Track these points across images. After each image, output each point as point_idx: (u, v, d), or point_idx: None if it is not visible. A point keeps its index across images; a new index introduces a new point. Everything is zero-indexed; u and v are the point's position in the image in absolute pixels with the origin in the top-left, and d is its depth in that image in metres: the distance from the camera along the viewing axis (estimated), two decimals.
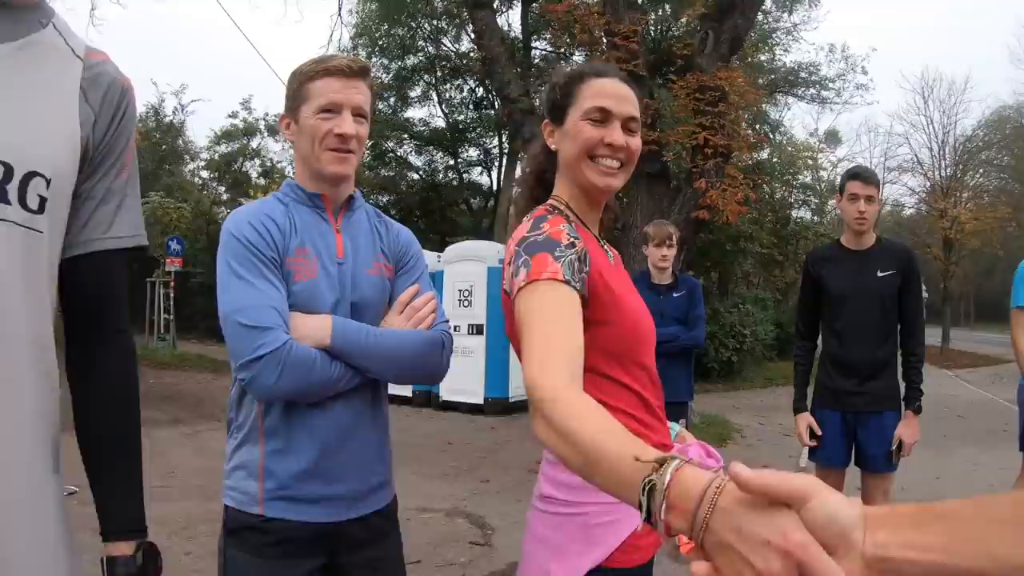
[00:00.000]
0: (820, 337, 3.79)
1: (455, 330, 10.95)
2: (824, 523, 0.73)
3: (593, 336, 1.40)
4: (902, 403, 3.53)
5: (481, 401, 10.61)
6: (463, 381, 10.67)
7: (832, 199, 38.28)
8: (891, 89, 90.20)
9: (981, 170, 32.37)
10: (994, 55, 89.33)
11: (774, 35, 21.86)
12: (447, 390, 10.99)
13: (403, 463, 7.07)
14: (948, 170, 30.88)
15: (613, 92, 1.57)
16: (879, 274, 3.51)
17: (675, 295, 4.60)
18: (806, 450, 3.67)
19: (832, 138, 36.63)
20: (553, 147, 1.64)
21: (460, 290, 11.04)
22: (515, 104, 10.71)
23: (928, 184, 31.27)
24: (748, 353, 17.07)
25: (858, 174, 3.62)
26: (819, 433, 3.60)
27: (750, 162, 11.75)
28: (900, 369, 3.59)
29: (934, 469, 7.12)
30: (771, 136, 20.52)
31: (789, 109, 32.53)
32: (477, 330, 10.77)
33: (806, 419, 3.66)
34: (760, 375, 17.46)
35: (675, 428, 1.82)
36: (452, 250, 11.55)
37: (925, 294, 4.31)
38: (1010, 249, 39.75)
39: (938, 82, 39.98)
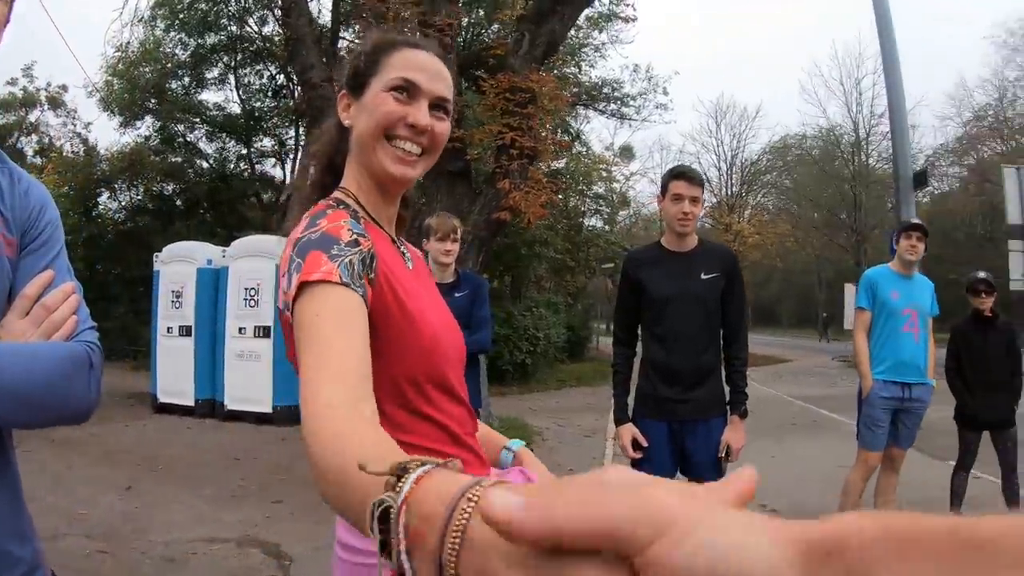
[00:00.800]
0: (640, 343, 3.57)
1: (240, 332, 10.27)
2: None
3: (380, 357, 1.08)
4: (727, 408, 3.42)
5: (270, 410, 9.79)
6: (249, 389, 9.89)
7: (622, 211, 41.01)
8: (687, 111, 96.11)
9: (764, 191, 35.15)
10: (789, 88, 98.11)
11: (583, 51, 22.41)
12: (232, 399, 10.14)
13: (186, 484, 6.33)
14: (734, 188, 33.36)
15: (426, 65, 1.29)
16: (703, 276, 3.35)
17: (457, 295, 4.08)
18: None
19: (626, 153, 38.42)
20: (347, 123, 1.32)
21: (246, 289, 10.22)
22: (316, 91, 10.05)
23: (715, 200, 33.63)
24: (541, 355, 17.33)
25: (683, 173, 3.40)
26: (644, 444, 3.38)
27: (550, 169, 11.74)
28: (723, 374, 3.48)
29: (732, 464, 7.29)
30: (571, 145, 20.97)
31: (588, 122, 33.65)
32: (264, 332, 9.99)
33: (630, 430, 3.42)
34: (553, 376, 17.81)
35: (514, 447, 1.61)
36: (238, 245, 10.69)
37: None
38: (788, 261, 44.13)
39: (731, 108, 42.98)
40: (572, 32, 22.08)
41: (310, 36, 10.57)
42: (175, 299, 11.05)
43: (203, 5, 20.23)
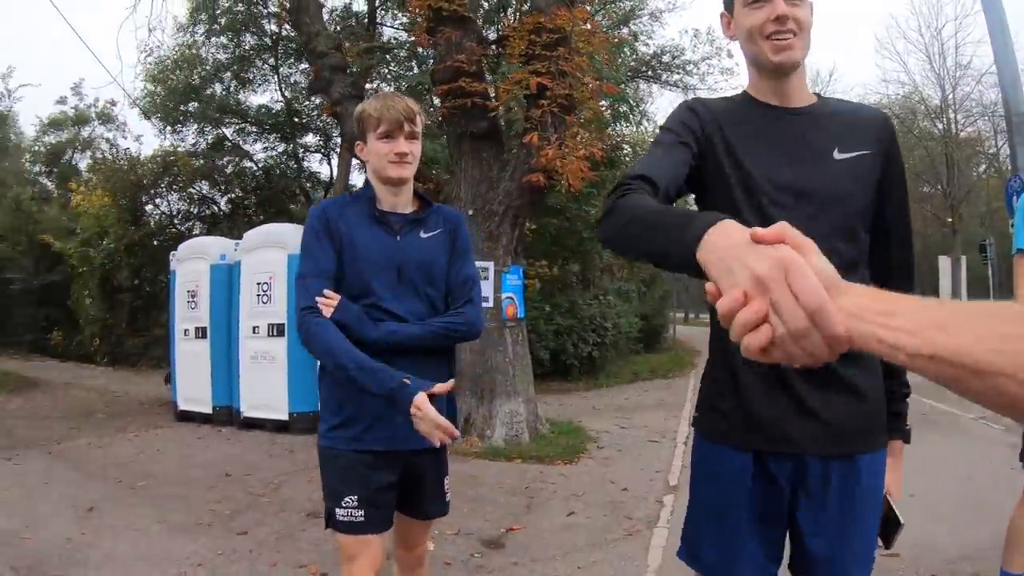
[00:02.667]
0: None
1: (254, 332, 9.20)
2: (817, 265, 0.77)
3: None
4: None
5: (286, 417, 8.69)
6: (265, 393, 8.80)
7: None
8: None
9: None
10: (863, 48, 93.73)
11: (639, 20, 20.92)
12: (249, 405, 9.09)
13: (155, 506, 5.42)
14: None
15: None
16: (837, 155, 1.73)
17: (425, 234, 2.47)
18: None
19: None
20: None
21: (259, 283, 9.15)
22: (323, 59, 8.89)
23: None
24: (612, 347, 16.11)
25: None
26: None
27: (596, 122, 10.18)
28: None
29: None
30: (632, 116, 19.45)
31: (652, 100, 31.95)
32: (278, 331, 8.89)
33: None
34: (626, 370, 16.58)
35: None
36: (251, 236, 9.66)
37: None
38: None
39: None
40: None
41: (313, 3, 9.43)
42: (191, 299, 10.12)
43: (240, 7, 19.59)
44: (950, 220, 27.10)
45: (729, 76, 22.98)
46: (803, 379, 1.61)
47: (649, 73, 22.98)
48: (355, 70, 9.72)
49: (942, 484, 5.91)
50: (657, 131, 1.79)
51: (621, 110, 19.18)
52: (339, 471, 2.32)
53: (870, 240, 1.70)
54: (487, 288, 7.65)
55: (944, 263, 24.98)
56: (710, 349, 1.83)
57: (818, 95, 1.76)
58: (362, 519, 2.28)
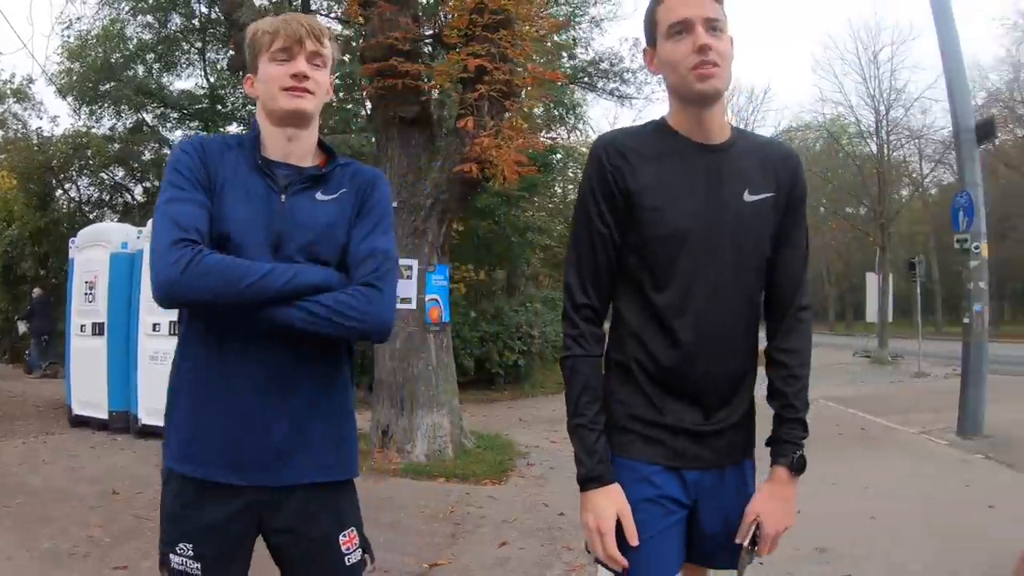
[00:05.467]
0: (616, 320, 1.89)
1: (154, 330, 8.33)
2: None
3: None
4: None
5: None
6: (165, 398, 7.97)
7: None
8: None
9: None
10: (799, 66, 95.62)
11: (578, 25, 20.50)
12: (146, 411, 8.22)
13: (27, 530, 4.88)
14: None
15: None
16: (747, 197, 1.85)
17: (323, 196, 1.83)
18: None
19: None
20: None
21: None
22: (244, 32, 8.12)
23: None
24: (538, 356, 15.72)
25: None
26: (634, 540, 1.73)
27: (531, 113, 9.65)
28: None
29: None
30: (566, 119, 19.05)
31: (587, 107, 31.69)
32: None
33: (615, 503, 1.72)
34: (552, 379, 16.00)
35: None
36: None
37: None
38: None
39: (738, 90, 41.12)
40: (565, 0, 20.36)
41: None
42: (88, 291, 9.22)
43: None
44: (877, 239, 27.57)
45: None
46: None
47: (586, 80, 22.61)
48: None
49: (902, 506, 5.58)
50: (587, 197, 1.74)
51: (556, 112, 18.77)
52: (177, 504, 1.71)
53: (768, 278, 1.78)
54: (409, 288, 7.02)
55: (871, 280, 25.28)
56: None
57: (734, 128, 1.79)
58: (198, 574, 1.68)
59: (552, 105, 16.76)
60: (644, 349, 1.70)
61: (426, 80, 7.07)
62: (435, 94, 7.77)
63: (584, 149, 26.98)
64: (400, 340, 7.07)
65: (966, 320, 8.91)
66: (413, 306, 7.09)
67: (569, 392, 1.72)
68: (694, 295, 1.66)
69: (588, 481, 1.69)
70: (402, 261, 6.94)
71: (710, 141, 1.71)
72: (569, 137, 20.18)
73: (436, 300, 7.37)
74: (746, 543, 1.71)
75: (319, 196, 1.76)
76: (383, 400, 7.21)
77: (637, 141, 1.73)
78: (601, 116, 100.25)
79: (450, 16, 7.08)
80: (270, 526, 1.73)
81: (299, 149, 1.78)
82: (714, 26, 1.63)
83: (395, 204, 7.04)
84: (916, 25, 47.01)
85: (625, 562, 1.64)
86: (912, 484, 6.39)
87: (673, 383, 1.69)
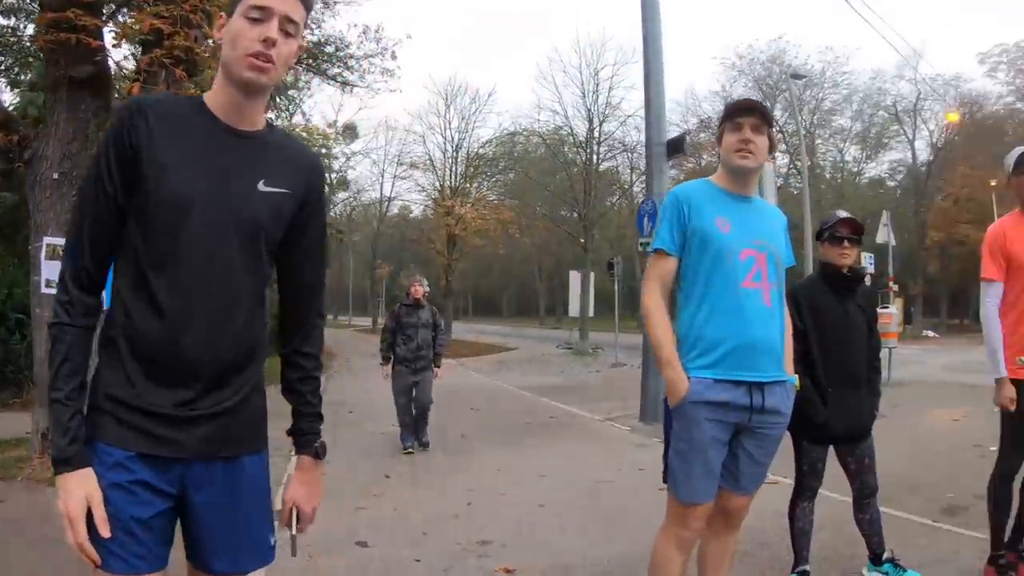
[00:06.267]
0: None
1: None
2: None
3: None
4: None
5: None
6: None
7: (340, 191, 38.57)
8: (416, 89, 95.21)
9: (488, 181, 34.39)
10: (525, 71, 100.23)
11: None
12: None
13: None
14: (459, 173, 32.47)
15: None
16: (262, 187, 1.89)
17: None
18: None
19: (350, 131, 36.46)
20: None
21: None
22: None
23: (438, 183, 32.55)
24: None
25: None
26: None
27: None
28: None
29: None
30: (279, 101, 18.22)
31: (311, 93, 30.79)
32: None
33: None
34: None
35: None
36: None
37: None
38: (510, 249, 44.06)
39: (463, 90, 41.98)
40: None
41: None
42: None
43: None
44: (583, 240, 29.62)
45: (389, 77, 22.72)
46: None
47: (310, 61, 21.90)
48: None
49: (572, 493, 5.82)
50: (101, 155, 1.68)
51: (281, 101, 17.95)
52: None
53: (289, 286, 1.89)
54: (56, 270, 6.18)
55: (574, 277, 27.17)
56: None
57: (273, 126, 1.84)
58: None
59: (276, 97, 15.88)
60: (132, 324, 1.62)
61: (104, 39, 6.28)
62: (121, 56, 6.96)
63: (304, 133, 26.13)
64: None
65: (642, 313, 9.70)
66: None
67: (50, 363, 1.63)
68: (188, 271, 1.62)
69: (59, 463, 1.59)
70: (52, 240, 6.13)
71: (240, 127, 1.72)
72: (279, 119, 19.27)
73: None
74: (293, 531, 1.89)
75: None
76: (43, 400, 6.30)
77: (167, 107, 1.71)
78: (326, 100, 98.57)
79: None
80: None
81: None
82: (288, 30, 1.68)
83: (55, 176, 6.25)
84: (639, 49, 51.16)
85: (96, 556, 1.56)
86: (587, 470, 6.70)
87: (159, 363, 1.61)
